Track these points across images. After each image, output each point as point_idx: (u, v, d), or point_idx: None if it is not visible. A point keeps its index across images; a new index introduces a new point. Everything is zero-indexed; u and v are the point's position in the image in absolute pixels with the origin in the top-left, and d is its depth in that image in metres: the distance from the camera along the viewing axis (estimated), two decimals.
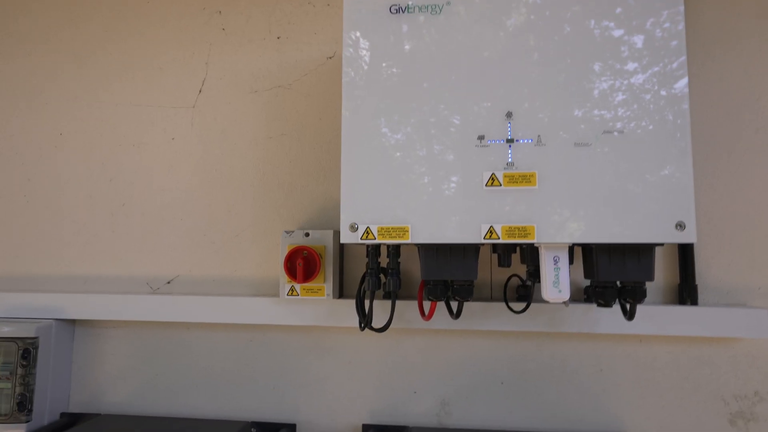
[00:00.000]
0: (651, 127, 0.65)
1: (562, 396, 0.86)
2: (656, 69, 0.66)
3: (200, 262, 0.97)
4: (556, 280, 0.68)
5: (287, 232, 0.87)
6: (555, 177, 0.66)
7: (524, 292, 0.86)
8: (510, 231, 0.67)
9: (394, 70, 0.70)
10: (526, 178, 0.67)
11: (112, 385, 0.97)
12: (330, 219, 0.94)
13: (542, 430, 0.86)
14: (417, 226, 0.68)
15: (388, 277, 0.73)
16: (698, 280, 0.85)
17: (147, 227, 0.99)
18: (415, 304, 0.85)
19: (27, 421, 0.89)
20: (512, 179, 0.67)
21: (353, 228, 0.69)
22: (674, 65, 0.66)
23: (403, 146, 0.69)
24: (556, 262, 0.68)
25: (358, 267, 0.93)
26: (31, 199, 1.03)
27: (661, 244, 0.67)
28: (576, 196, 0.66)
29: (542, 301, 0.87)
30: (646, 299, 0.86)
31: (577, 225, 0.65)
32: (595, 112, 0.66)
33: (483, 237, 0.67)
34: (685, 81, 0.65)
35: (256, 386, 0.93)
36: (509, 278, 0.86)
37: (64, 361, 0.96)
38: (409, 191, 0.68)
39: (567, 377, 0.87)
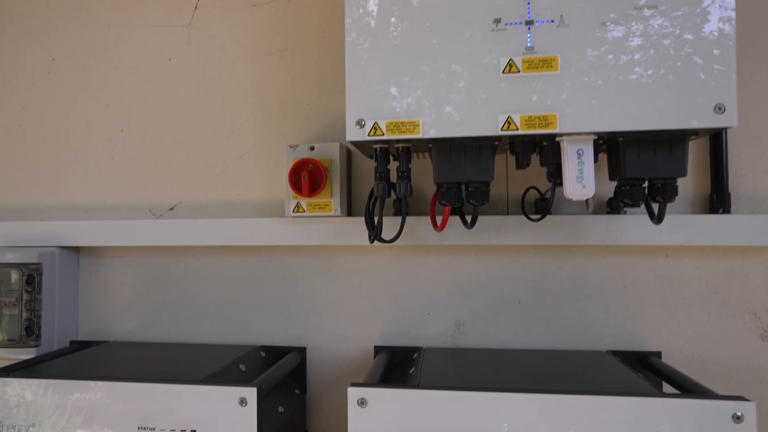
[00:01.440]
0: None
1: (582, 314, 0.83)
2: None
3: (203, 186, 0.93)
4: (580, 174, 0.62)
5: (291, 147, 0.83)
6: (579, 60, 0.60)
7: (542, 205, 0.81)
8: (530, 121, 0.61)
9: None
10: (547, 63, 0.61)
11: (119, 313, 0.95)
12: (336, 136, 0.89)
13: (561, 348, 0.83)
14: (428, 120, 0.63)
15: (398, 181, 0.69)
16: (731, 190, 0.80)
17: (147, 153, 0.95)
18: (427, 219, 0.81)
19: (36, 346, 0.88)
20: (532, 64, 0.61)
21: (360, 124, 0.64)
22: None
23: (412, 32, 0.63)
24: (579, 155, 0.63)
25: (366, 186, 0.88)
26: (27, 128, 0.99)
27: (696, 133, 0.61)
28: (602, 81, 0.60)
29: (562, 213, 0.82)
30: (675, 209, 0.81)
31: (604, 112, 0.60)
32: None
33: (500, 128, 0.61)
34: None
35: (265, 311, 0.90)
36: (526, 191, 0.82)
37: (70, 289, 0.94)
38: (419, 82, 0.63)
39: (588, 294, 0.83)
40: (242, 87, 0.93)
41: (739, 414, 0.56)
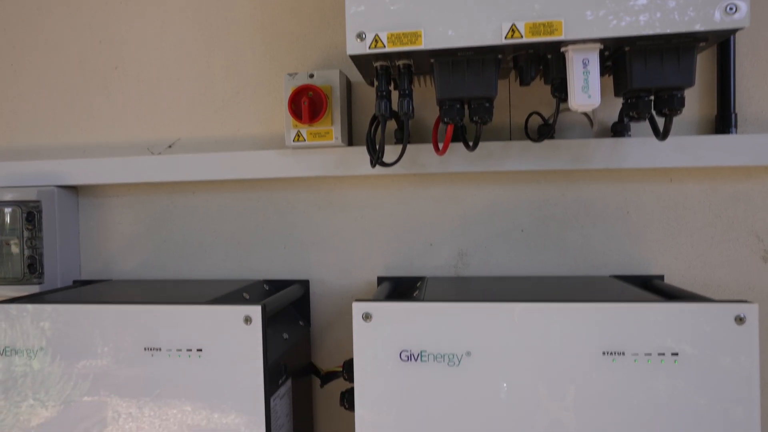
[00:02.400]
0: None
1: (585, 241, 0.82)
2: None
3: (201, 123, 0.92)
4: (585, 84, 0.61)
5: (290, 75, 0.81)
6: None
7: (546, 130, 0.80)
8: (534, 28, 0.59)
9: None
10: None
11: (121, 253, 0.95)
12: (336, 67, 0.87)
13: (564, 275, 0.83)
14: (430, 30, 0.61)
15: (399, 99, 0.67)
16: (737, 111, 0.78)
17: (143, 90, 0.94)
18: (429, 147, 0.79)
19: (39, 283, 0.88)
20: None
21: (360, 37, 0.62)
22: None
23: None
24: (585, 65, 0.61)
25: (366, 118, 0.87)
26: (18, 67, 0.97)
27: (706, 39, 0.60)
28: None
29: (565, 137, 0.81)
30: (680, 131, 0.80)
31: (610, 17, 0.58)
32: None
33: (504, 37, 0.60)
34: None
35: (266, 246, 0.90)
36: (529, 116, 0.80)
37: (70, 230, 0.94)
38: None
39: (591, 221, 0.82)
40: (239, 19, 0.90)
41: (741, 315, 0.56)
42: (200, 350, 0.65)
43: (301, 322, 0.86)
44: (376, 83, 0.69)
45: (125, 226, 0.95)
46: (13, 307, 0.70)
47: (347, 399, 0.71)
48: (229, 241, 0.91)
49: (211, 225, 0.92)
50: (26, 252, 0.87)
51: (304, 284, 0.87)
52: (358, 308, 0.62)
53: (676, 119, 0.66)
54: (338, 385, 0.83)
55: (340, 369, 0.74)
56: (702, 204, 0.80)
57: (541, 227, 0.83)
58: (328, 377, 0.78)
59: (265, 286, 0.87)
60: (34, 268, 0.88)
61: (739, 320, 0.56)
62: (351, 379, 0.67)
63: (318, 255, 0.89)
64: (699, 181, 0.80)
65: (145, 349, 0.67)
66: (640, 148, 0.77)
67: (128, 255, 0.95)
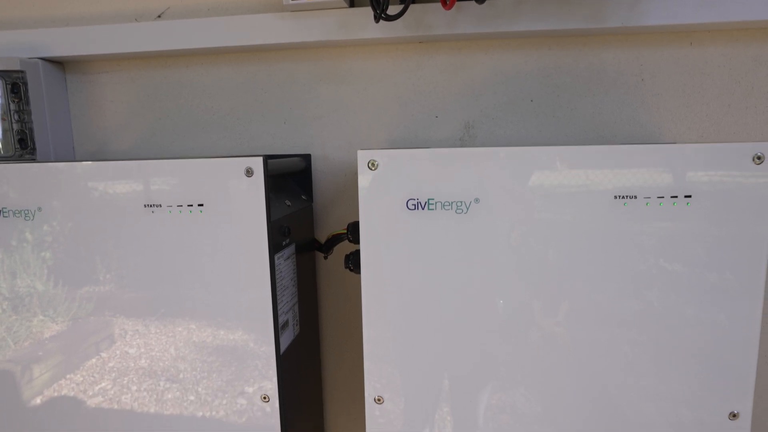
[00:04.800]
0: None
1: (597, 110, 0.79)
2: None
3: None
4: None
5: None
6: None
7: None
8: None
9: None
10: None
11: (115, 132, 0.92)
12: None
13: (573, 144, 0.80)
14: None
15: None
16: None
17: None
18: (436, 6, 0.74)
19: (32, 160, 0.86)
20: None
21: None
22: None
23: None
24: None
25: None
26: None
27: None
28: None
29: None
30: None
31: None
32: None
33: None
34: None
35: (266, 121, 0.87)
36: None
37: (60, 108, 0.90)
38: None
39: (604, 90, 0.79)
40: None
41: (760, 154, 0.54)
42: (201, 205, 0.64)
43: (303, 196, 0.84)
44: None
45: (117, 105, 0.91)
46: (8, 166, 0.68)
47: (352, 261, 0.71)
48: (227, 117, 0.88)
49: (208, 100, 0.88)
50: (15, 126, 0.84)
51: (306, 158, 0.85)
52: (363, 156, 0.60)
53: None
54: (342, 254, 0.83)
55: (345, 231, 0.73)
56: (721, 69, 0.76)
57: (551, 96, 0.80)
58: (331, 241, 0.77)
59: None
60: (25, 143, 0.85)
61: (758, 159, 0.54)
62: (356, 240, 0.66)
63: (320, 129, 0.86)
64: (720, 44, 0.76)
65: (145, 205, 0.65)
66: (660, 3, 0.72)
67: (122, 135, 0.91)
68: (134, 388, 0.70)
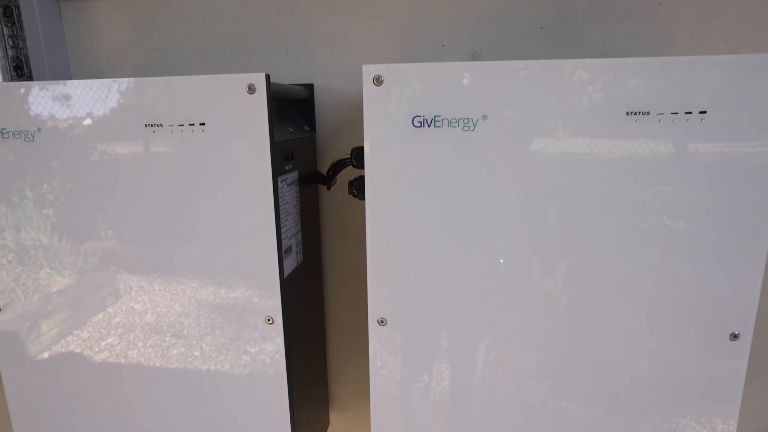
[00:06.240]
0: None
1: (609, 38, 0.77)
2: None
3: None
4: None
5: None
6: None
7: None
8: None
9: None
10: None
11: (112, 64, 0.89)
12: None
13: None
14: None
15: None
16: None
17: None
18: None
19: None
20: None
21: None
22: None
23: None
24: None
25: None
26: None
27: None
28: None
29: None
30: None
31: None
32: None
33: None
34: None
35: (268, 50, 0.84)
36: None
37: (55, 36, 0.87)
38: None
39: (618, 17, 0.76)
40: None
41: None
42: (203, 124, 0.63)
43: (306, 127, 0.83)
44: None
45: (114, 34, 0.88)
46: (8, 85, 0.66)
47: (356, 186, 0.70)
48: (227, 47, 0.85)
49: (207, 29, 0.85)
50: (10, 53, 0.82)
51: (309, 87, 0.83)
52: (368, 71, 0.58)
53: None
54: (345, 187, 0.82)
55: (349, 156, 0.72)
56: None
57: (562, 24, 0.77)
58: (335, 167, 0.76)
59: None
60: (21, 70, 0.83)
61: None
62: (360, 165, 0.65)
63: (323, 59, 0.83)
64: None
65: (145, 125, 0.64)
66: None
67: (120, 66, 0.89)
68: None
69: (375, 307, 0.64)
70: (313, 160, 0.85)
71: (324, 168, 0.85)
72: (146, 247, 0.68)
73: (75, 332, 0.73)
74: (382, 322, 0.65)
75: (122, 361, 0.72)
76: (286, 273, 0.69)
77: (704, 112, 0.54)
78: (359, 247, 0.89)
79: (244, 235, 0.65)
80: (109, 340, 0.72)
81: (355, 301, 0.92)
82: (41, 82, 0.65)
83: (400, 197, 0.61)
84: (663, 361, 0.61)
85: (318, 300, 0.90)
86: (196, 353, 0.70)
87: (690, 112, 0.54)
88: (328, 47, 0.83)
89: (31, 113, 0.66)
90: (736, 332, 0.59)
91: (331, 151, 0.86)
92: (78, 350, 0.73)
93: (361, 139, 0.60)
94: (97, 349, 0.73)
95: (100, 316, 0.72)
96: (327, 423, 0.98)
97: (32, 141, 0.67)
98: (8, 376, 0.76)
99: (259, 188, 0.63)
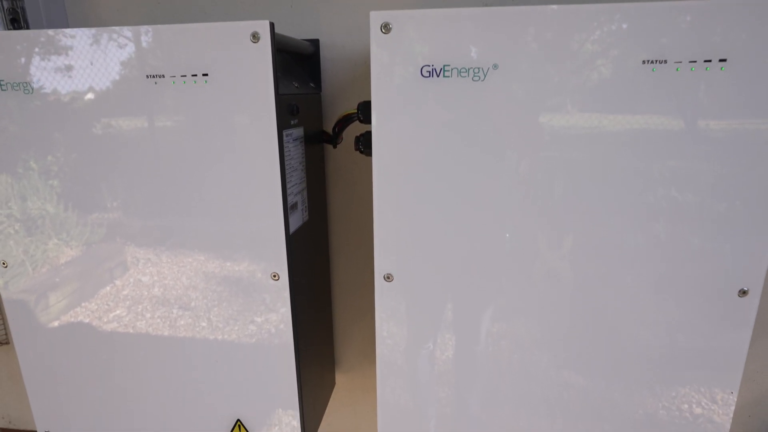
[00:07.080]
0: None
1: None
2: None
3: None
4: None
5: None
6: None
7: None
8: None
9: None
10: None
11: (112, 19, 0.87)
12: None
13: None
14: None
15: None
16: None
17: None
18: None
19: None
20: None
21: None
22: None
23: None
24: None
25: None
26: None
27: None
28: None
29: None
30: None
31: None
32: None
33: None
34: None
35: (271, 4, 0.82)
36: None
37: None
38: None
39: None
40: None
41: None
42: (206, 75, 0.61)
43: (311, 84, 0.81)
44: None
45: None
46: (8, 34, 0.64)
47: (363, 142, 0.69)
48: (229, 3, 0.83)
49: None
50: (5, 4, 0.80)
51: (315, 43, 0.80)
52: (375, 18, 0.56)
53: None
54: (351, 145, 0.81)
55: (355, 111, 0.70)
56: None
57: None
58: (342, 122, 0.75)
59: None
60: (17, 23, 0.81)
61: None
62: (367, 120, 0.63)
63: (329, 13, 0.81)
64: None
65: (147, 76, 0.62)
66: None
67: (120, 21, 0.87)
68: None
69: (381, 263, 0.64)
70: (319, 119, 0.83)
71: (329, 127, 0.83)
72: (151, 210, 0.67)
73: (83, 304, 0.73)
74: (388, 278, 0.65)
75: (131, 330, 0.73)
76: (292, 229, 0.68)
77: (724, 60, 0.52)
78: (365, 208, 0.88)
79: (250, 190, 0.64)
80: (117, 311, 0.73)
81: (361, 262, 0.92)
82: (38, 31, 0.63)
83: (407, 152, 0.59)
84: (667, 330, 0.61)
85: (324, 260, 0.90)
86: (203, 324, 0.71)
87: (709, 60, 0.53)
88: (335, 1, 0.80)
89: (30, 64, 0.64)
90: (745, 288, 0.59)
91: (337, 110, 0.84)
92: (87, 320, 0.74)
93: (367, 99, 0.58)
94: (105, 320, 0.73)
95: (108, 288, 0.72)
96: (333, 383, 0.99)
97: (31, 93, 0.66)
98: (21, 344, 0.76)
99: (264, 141, 0.62)
